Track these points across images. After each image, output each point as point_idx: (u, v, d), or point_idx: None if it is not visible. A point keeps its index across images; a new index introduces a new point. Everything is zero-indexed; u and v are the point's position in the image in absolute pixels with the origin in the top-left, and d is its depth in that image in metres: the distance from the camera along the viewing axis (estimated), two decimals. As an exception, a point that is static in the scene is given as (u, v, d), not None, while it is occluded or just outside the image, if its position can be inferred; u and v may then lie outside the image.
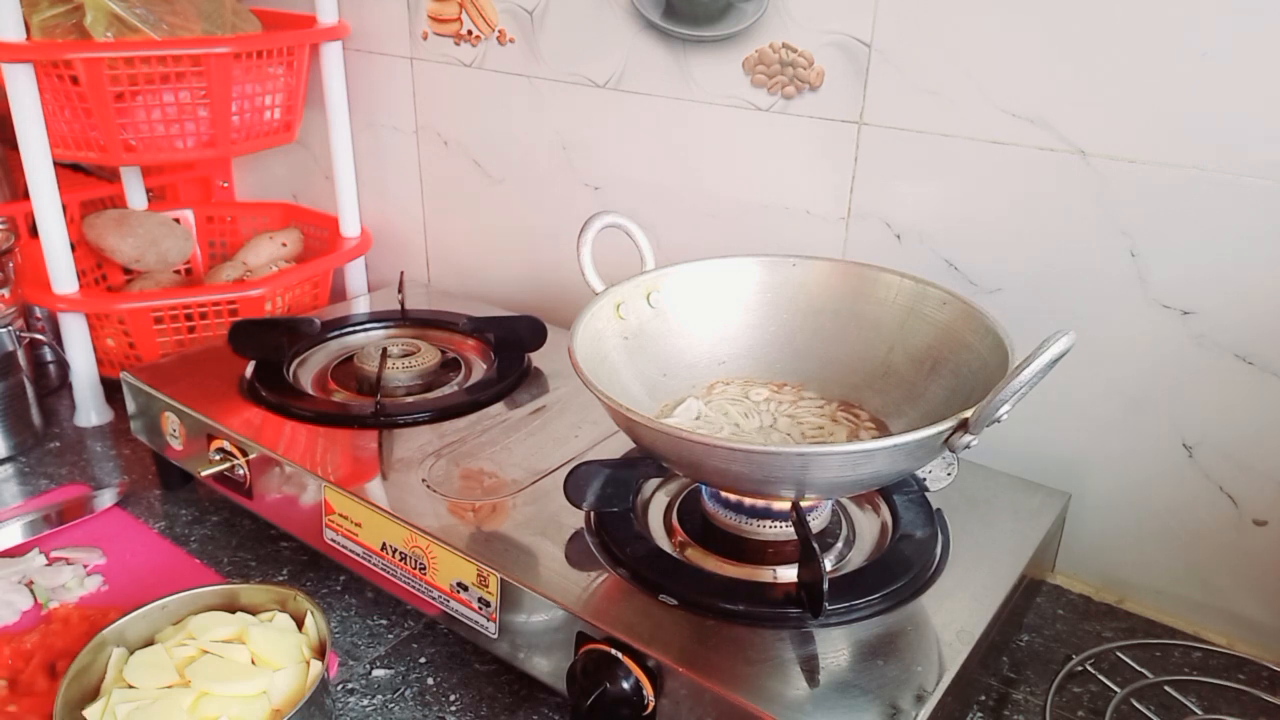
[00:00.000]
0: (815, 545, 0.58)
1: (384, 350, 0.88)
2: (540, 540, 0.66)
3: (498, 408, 0.84)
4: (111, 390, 1.02)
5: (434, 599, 0.67)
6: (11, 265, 0.97)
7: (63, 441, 1.00)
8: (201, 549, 0.83)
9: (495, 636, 0.64)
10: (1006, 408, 0.53)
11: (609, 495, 0.66)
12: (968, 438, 0.55)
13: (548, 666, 0.62)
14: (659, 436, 0.58)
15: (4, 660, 0.68)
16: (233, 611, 0.63)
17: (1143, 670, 0.69)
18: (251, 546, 0.83)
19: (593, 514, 0.67)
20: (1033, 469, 0.76)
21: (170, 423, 0.85)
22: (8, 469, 0.95)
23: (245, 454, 0.79)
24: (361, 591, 0.78)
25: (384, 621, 0.75)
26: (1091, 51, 0.69)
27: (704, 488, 0.68)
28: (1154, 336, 0.72)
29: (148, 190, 1.24)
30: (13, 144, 0.96)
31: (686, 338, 0.75)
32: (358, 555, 0.71)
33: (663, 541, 0.67)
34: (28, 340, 0.98)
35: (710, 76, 0.87)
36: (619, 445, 0.76)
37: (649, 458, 0.67)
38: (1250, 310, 0.68)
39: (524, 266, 1.09)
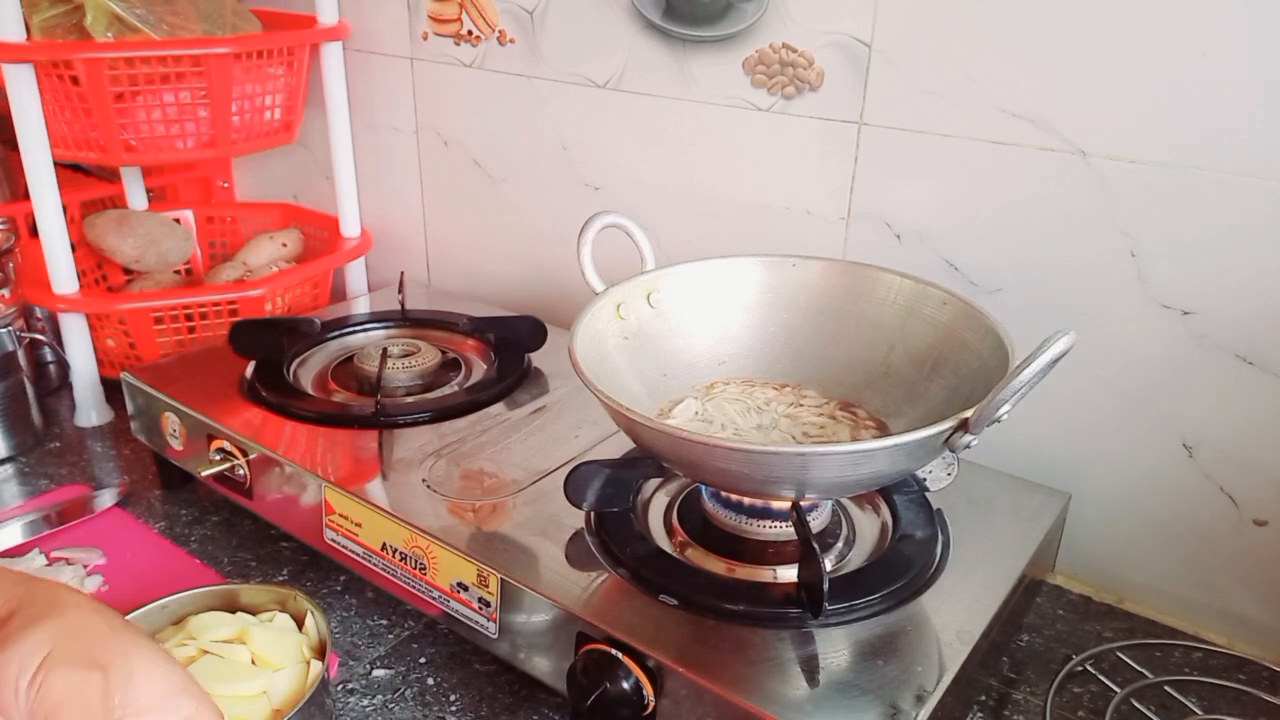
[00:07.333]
0: (815, 545, 0.58)
1: (384, 350, 0.88)
2: (540, 540, 0.66)
3: (498, 408, 0.84)
4: (111, 390, 1.02)
5: (434, 599, 0.67)
6: (11, 265, 0.97)
7: (63, 441, 1.00)
8: (201, 549, 0.83)
9: (495, 636, 0.64)
10: (1007, 408, 0.53)
11: (609, 495, 0.66)
12: (968, 438, 0.55)
13: (548, 666, 0.62)
14: (659, 436, 0.58)
15: (4, 660, 0.68)
16: (233, 611, 0.63)
17: (1143, 670, 0.69)
18: (251, 546, 0.83)
19: (593, 514, 0.67)
20: (1033, 469, 0.76)
21: (170, 423, 0.85)
22: (8, 469, 0.95)
23: (245, 454, 0.79)
24: (361, 591, 0.78)
25: (384, 621, 0.75)
26: (1091, 51, 0.69)
27: (704, 488, 0.68)
28: (1154, 336, 0.72)
29: (148, 190, 1.24)
30: (13, 144, 0.96)
31: (686, 338, 0.75)
32: (358, 555, 0.71)
33: (663, 541, 0.67)
34: (28, 340, 0.98)
35: (710, 76, 0.87)
36: (619, 445, 0.76)
37: (649, 458, 0.67)
38: (1250, 310, 0.68)
39: (524, 266, 1.09)
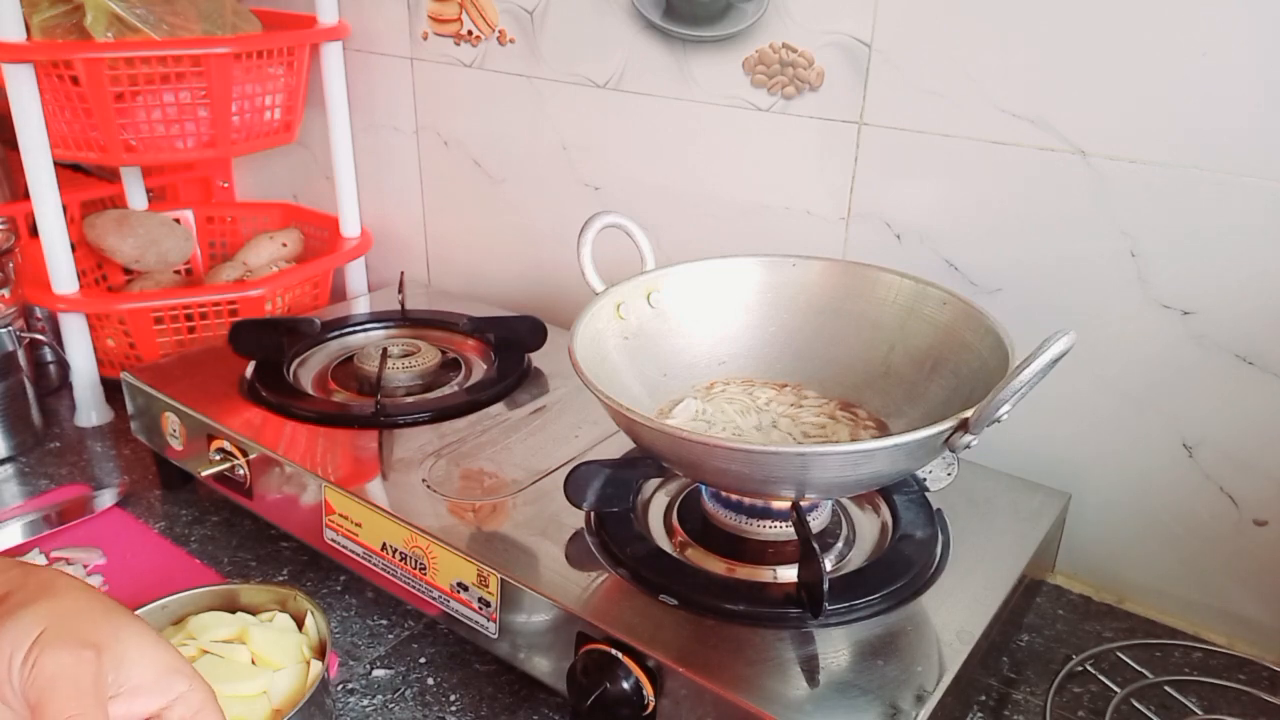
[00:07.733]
0: (815, 545, 0.58)
1: (384, 350, 0.88)
2: (540, 540, 0.66)
3: (498, 408, 0.84)
4: (111, 390, 1.02)
5: (434, 599, 0.67)
6: (11, 265, 0.97)
7: (63, 441, 1.00)
8: (201, 549, 0.83)
9: (495, 636, 0.64)
10: (1007, 408, 0.53)
11: (609, 495, 0.66)
12: (968, 438, 0.55)
13: (548, 666, 0.62)
14: (659, 436, 0.58)
15: (4, 660, 0.68)
16: (233, 611, 0.63)
17: (1143, 670, 0.69)
18: (251, 546, 0.83)
19: (593, 514, 0.67)
20: (1033, 469, 0.76)
21: (170, 423, 0.85)
22: (8, 469, 0.95)
23: (245, 454, 0.79)
24: (361, 591, 0.78)
25: (384, 621, 0.75)
26: (1091, 51, 0.69)
27: (704, 488, 0.68)
28: (1154, 336, 0.72)
29: (148, 190, 1.24)
30: (13, 144, 0.96)
31: (687, 338, 0.75)
32: (358, 555, 0.71)
33: (663, 541, 0.67)
34: (28, 340, 0.98)
35: (710, 76, 0.87)
36: (619, 445, 0.76)
37: (649, 458, 0.67)
38: (1250, 310, 0.68)
39: (524, 266, 1.09)
